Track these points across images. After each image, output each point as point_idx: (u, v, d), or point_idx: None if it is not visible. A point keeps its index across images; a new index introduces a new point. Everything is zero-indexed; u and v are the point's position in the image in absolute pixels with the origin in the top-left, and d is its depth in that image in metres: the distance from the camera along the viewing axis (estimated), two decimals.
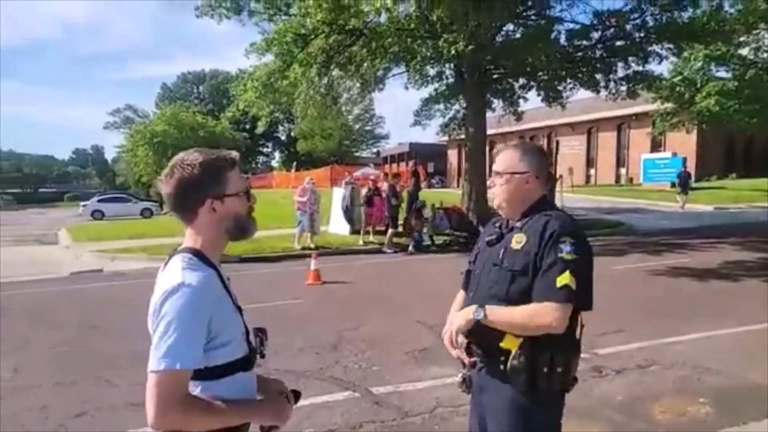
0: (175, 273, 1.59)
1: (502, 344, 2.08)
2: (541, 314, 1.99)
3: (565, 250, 2.00)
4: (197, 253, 1.66)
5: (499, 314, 2.06)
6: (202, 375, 1.59)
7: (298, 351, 6.20)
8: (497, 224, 2.33)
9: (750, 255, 11.89)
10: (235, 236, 1.74)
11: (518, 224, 2.19)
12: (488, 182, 2.33)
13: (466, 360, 2.23)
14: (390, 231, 14.74)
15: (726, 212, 21.30)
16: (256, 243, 14.89)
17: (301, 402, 4.85)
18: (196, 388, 1.60)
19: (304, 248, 14.20)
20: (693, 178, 33.08)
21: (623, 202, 25.53)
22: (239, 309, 1.75)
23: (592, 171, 41.60)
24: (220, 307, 1.62)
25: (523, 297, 2.04)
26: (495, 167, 2.28)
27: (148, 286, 1.69)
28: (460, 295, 2.43)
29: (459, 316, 2.20)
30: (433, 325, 6.84)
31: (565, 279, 1.97)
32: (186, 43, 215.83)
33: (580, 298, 1.99)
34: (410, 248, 14.33)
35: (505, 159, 2.26)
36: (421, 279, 10.97)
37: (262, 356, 1.82)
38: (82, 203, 38.60)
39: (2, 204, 67.31)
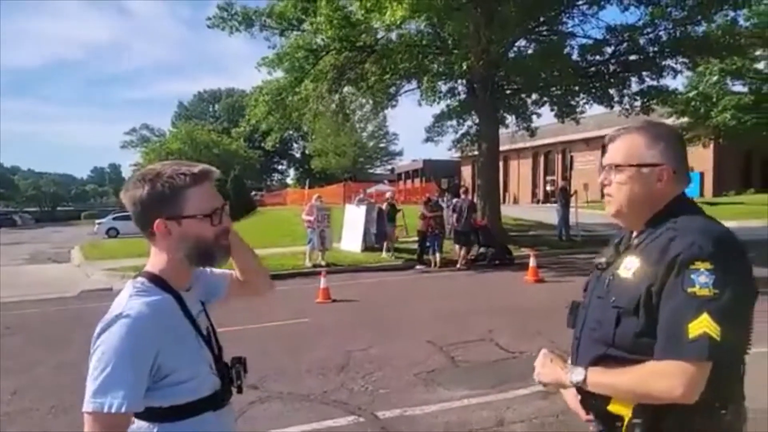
0: (119, 301, 1.44)
1: (609, 408, 1.52)
2: (661, 378, 1.36)
3: (699, 283, 1.35)
4: (154, 278, 1.49)
5: (603, 378, 1.49)
6: (159, 416, 1.41)
7: (303, 372, 6.02)
8: (618, 240, 1.73)
9: None
10: (197, 263, 1.54)
11: (636, 240, 1.60)
12: (600, 178, 1.66)
13: (583, 417, 1.63)
14: (463, 249, 14.36)
15: (745, 228, 20.83)
16: (267, 260, 14.80)
17: (302, 427, 4.69)
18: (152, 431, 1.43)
19: (315, 265, 14.04)
20: (711, 193, 32.76)
21: None
22: (208, 338, 1.57)
23: None
24: (172, 339, 1.43)
25: (639, 344, 1.44)
26: (608, 158, 1.62)
27: None
28: None
29: (547, 373, 1.66)
30: (444, 346, 6.68)
31: (701, 326, 1.33)
32: (203, 62, 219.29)
33: (726, 353, 1.34)
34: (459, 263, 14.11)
35: (626, 146, 1.60)
36: (433, 297, 10.75)
37: (240, 391, 1.64)
38: (97, 221, 38.92)
39: (20, 222, 68.12)
